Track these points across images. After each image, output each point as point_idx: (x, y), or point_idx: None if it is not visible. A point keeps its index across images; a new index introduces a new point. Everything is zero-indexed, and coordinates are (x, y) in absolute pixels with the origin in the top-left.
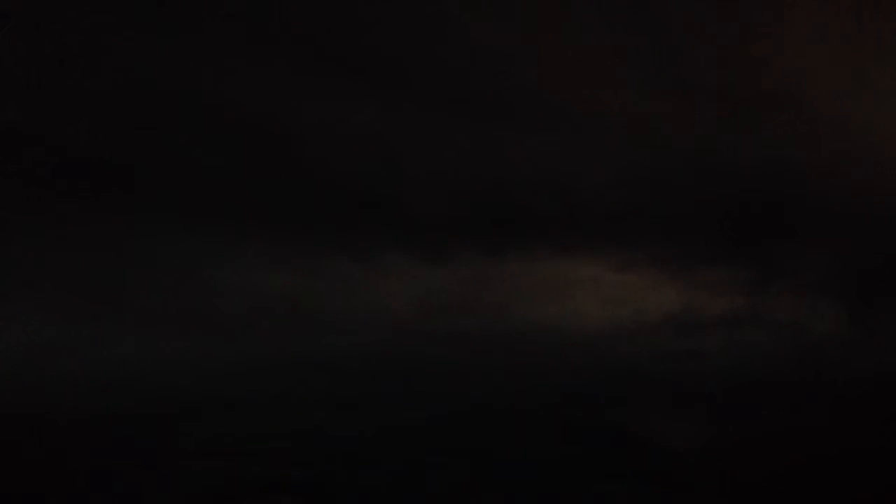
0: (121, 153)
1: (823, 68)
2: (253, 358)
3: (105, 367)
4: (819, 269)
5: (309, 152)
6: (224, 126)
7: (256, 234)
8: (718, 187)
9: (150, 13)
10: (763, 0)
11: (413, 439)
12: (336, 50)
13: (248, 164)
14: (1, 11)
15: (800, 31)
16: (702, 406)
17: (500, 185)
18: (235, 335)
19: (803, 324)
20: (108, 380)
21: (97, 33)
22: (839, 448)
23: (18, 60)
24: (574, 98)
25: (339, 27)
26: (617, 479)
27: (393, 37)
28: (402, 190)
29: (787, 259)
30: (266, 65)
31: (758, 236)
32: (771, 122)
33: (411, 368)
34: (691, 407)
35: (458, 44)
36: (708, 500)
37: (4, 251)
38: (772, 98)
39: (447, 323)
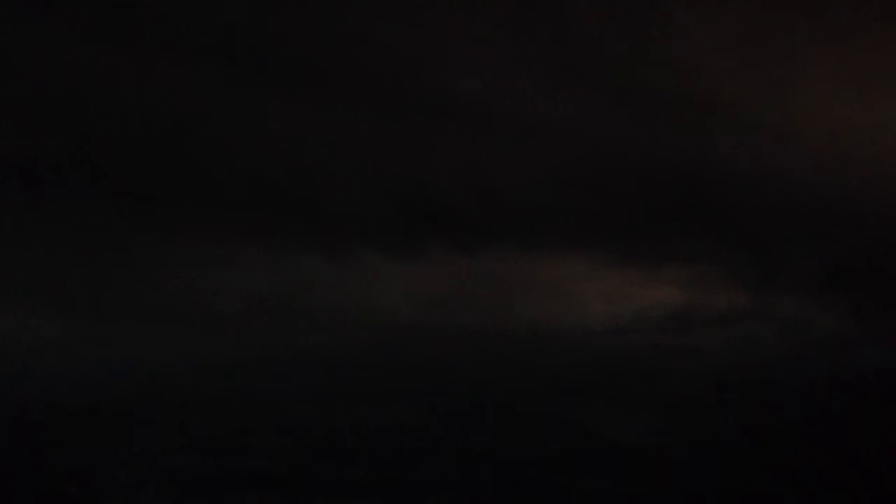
0: (114, 159)
1: (735, 68)
2: (241, 355)
3: (95, 365)
4: (823, 266)
5: (271, 158)
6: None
7: (244, 236)
8: (658, 185)
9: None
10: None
11: (401, 435)
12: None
13: (231, 169)
14: None
15: (711, 31)
16: (696, 405)
17: (448, 185)
18: (225, 333)
19: (806, 320)
20: (97, 376)
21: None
22: (838, 446)
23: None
24: (491, 101)
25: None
26: (600, 476)
27: (323, 44)
28: (376, 192)
29: (790, 256)
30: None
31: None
32: (685, 122)
33: (399, 365)
34: (685, 405)
35: (385, 50)
36: (699, 498)
37: (5, 254)
38: (685, 97)
39: (433, 319)
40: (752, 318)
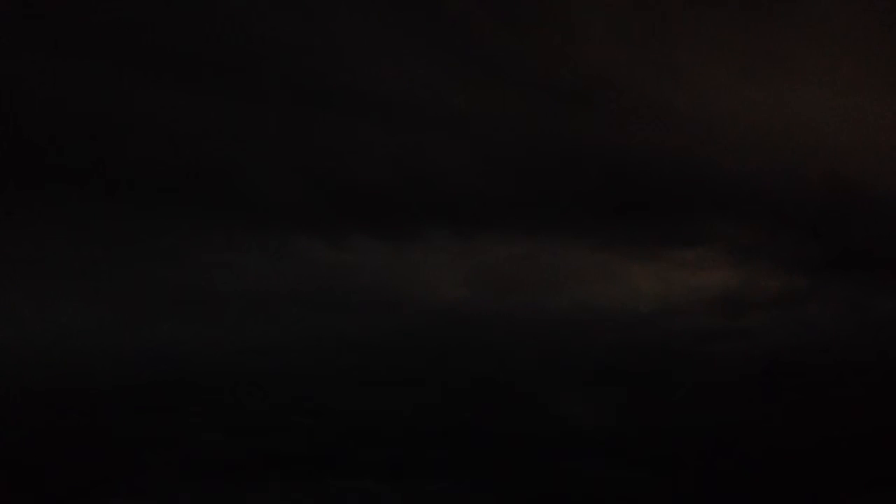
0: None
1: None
2: (269, 337)
3: (129, 347)
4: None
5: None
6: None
7: (261, 224)
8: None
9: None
10: None
11: (426, 418)
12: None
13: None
14: None
15: (611, 22)
16: (742, 389)
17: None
18: (254, 316)
19: (863, 303)
20: (131, 358)
21: None
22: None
23: None
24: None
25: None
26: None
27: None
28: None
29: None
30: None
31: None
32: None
33: (428, 349)
34: (730, 389)
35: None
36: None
37: (41, 249)
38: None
39: (464, 303)
40: (808, 300)
